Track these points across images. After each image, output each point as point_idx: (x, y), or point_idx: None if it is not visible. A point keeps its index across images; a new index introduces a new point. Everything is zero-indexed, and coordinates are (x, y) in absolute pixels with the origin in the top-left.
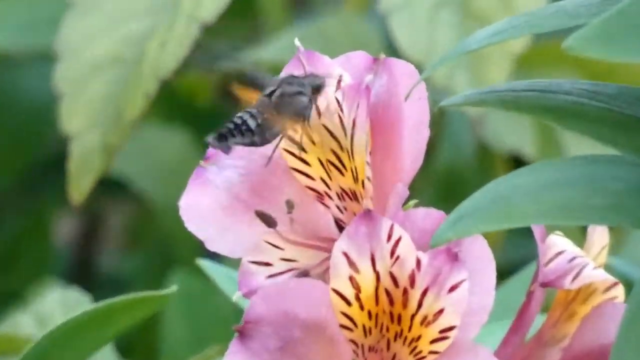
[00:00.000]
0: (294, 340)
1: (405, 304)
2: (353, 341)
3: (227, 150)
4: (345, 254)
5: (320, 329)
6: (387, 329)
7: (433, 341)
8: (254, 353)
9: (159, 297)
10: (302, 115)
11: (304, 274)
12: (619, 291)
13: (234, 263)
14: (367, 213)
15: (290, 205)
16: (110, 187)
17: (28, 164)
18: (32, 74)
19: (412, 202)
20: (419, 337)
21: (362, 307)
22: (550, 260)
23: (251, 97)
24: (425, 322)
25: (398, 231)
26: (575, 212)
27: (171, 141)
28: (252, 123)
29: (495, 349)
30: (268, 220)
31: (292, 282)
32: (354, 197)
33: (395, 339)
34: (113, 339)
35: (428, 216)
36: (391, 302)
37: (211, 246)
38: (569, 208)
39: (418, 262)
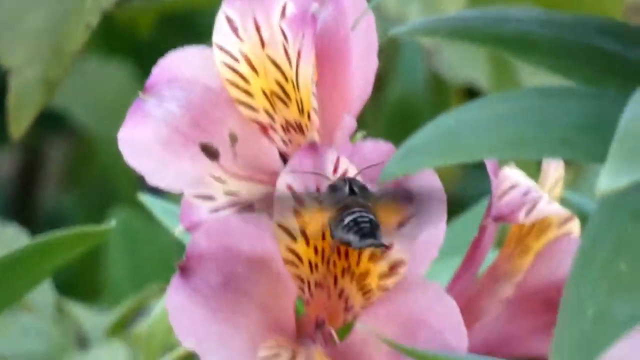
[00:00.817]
0: (237, 276)
1: None
2: (299, 277)
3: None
4: (290, 188)
5: (265, 264)
6: (334, 265)
7: (382, 277)
8: (195, 290)
9: (98, 232)
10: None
11: (248, 208)
12: (575, 225)
13: (177, 199)
14: (312, 145)
15: (233, 138)
16: (49, 121)
17: None
18: None
19: (359, 134)
20: (367, 273)
21: (307, 243)
22: (504, 193)
23: None
24: (373, 257)
25: (344, 164)
26: (526, 146)
27: (111, 74)
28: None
29: (446, 285)
30: (211, 153)
31: (236, 217)
32: (299, 129)
33: (342, 275)
34: (50, 275)
35: (376, 149)
36: None
37: (152, 180)
38: (519, 142)
39: None
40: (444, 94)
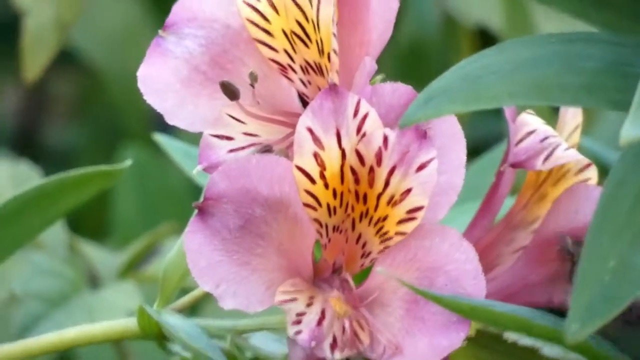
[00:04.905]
0: (255, 218)
1: (371, 183)
2: (317, 220)
3: None
4: (310, 130)
5: (283, 207)
6: (353, 209)
7: (400, 222)
8: (214, 231)
9: (112, 172)
10: None
11: (267, 149)
12: (592, 173)
13: (188, 138)
14: (333, 88)
15: (253, 78)
16: (57, 56)
17: None
18: None
19: (378, 77)
20: (385, 218)
21: (326, 186)
22: (521, 139)
23: None
24: (392, 201)
25: (365, 107)
26: (548, 92)
27: (121, 9)
28: None
29: (463, 231)
30: (231, 92)
31: (255, 159)
32: (319, 70)
33: (360, 219)
34: (64, 214)
35: (396, 91)
36: (357, 180)
37: (170, 119)
38: (541, 88)
39: (385, 140)
40: (456, 36)
